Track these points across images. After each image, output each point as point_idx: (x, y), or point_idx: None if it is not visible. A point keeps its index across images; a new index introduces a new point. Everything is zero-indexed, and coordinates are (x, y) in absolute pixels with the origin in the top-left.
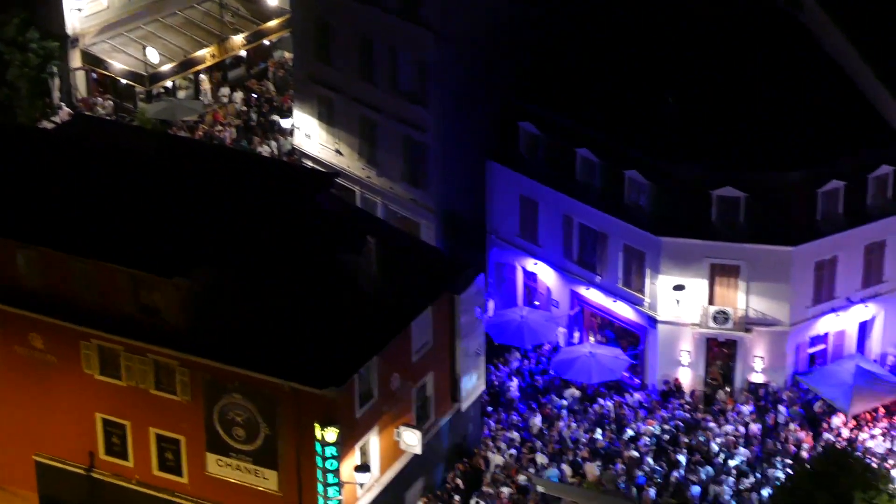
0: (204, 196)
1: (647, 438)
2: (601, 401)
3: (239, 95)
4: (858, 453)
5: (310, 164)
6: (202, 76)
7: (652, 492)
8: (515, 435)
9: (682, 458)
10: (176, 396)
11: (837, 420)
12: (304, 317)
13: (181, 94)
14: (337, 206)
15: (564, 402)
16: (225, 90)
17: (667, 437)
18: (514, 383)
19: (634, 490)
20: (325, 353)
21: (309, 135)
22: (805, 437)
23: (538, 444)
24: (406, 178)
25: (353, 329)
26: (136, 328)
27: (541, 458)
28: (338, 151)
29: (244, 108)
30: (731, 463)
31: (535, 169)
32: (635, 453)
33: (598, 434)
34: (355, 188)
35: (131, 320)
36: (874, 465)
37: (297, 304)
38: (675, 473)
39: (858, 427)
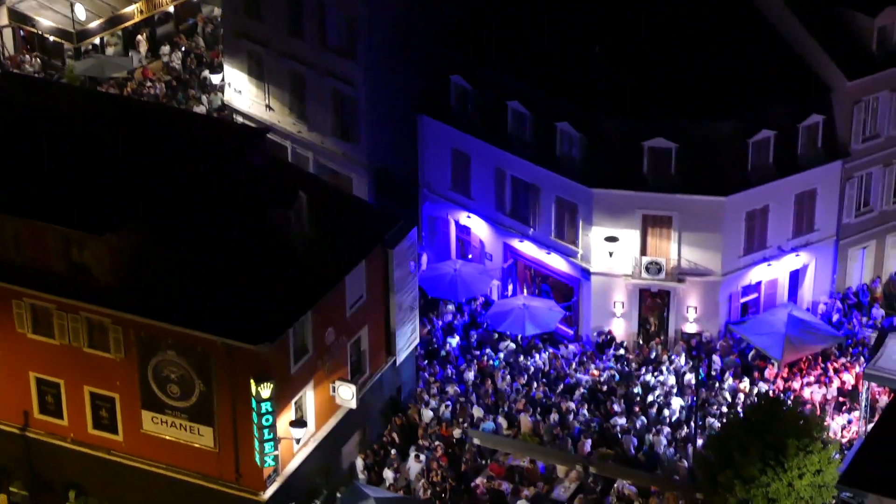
0: (133, 153)
1: (584, 390)
2: (537, 353)
3: (168, 51)
4: (791, 402)
5: (240, 119)
6: (139, 37)
7: (587, 443)
8: (451, 388)
9: (617, 409)
10: (109, 354)
11: (771, 369)
12: (237, 273)
13: (109, 50)
14: (268, 161)
15: (500, 355)
16: (164, 48)
17: (602, 387)
18: (455, 340)
19: (570, 441)
20: (258, 309)
21: (239, 90)
22: (739, 386)
23: (473, 397)
24: (337, 132)
25: (287, 285)
26: (68, 286)
27: (477, 412)
28: (268, 107)
29: (174, 65)
30: (666, 413)
31: (466, 122)
32: (571, 404)
33: (533, 386)
34: (286, 143)
35: (63, 278)
36: (807, 414)
37: (229, 260)
38: (611, 424)
39: (792, 376)
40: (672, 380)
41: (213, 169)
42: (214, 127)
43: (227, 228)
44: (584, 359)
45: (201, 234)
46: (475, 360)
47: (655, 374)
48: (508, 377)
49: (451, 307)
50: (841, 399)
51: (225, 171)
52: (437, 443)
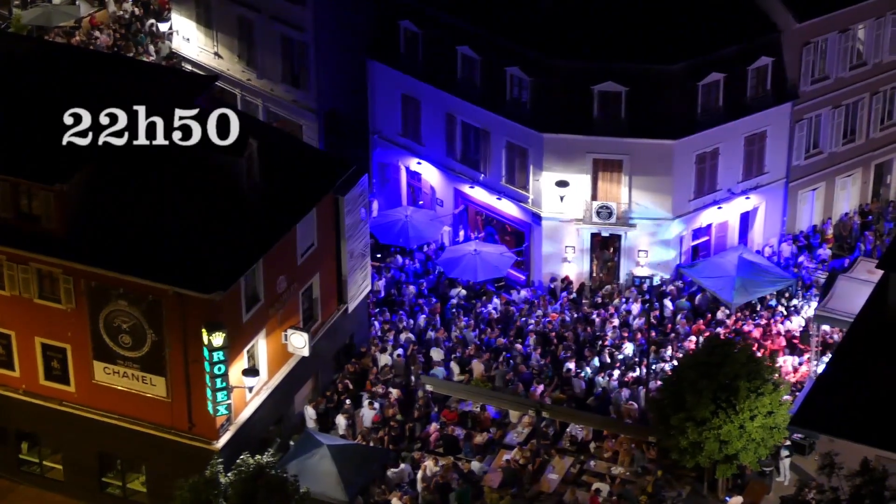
0: (84, 101)
1: (534, 337)
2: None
3: None
4: (742, 344)
5: (189, 68)
6: None
7: (539, 387)
8: (403, 335)
9: (568, 353)
10: (60, 305)
11: (722, 312)
12: (188, 221)
13: None
14: (217, 109)
15: (453, 301)
16: None
17: (553, 333)
18: (412, 290)
19: (521, 386)
20: (209, 257)
21: (187, 38)
22: (690, 329)
23: (431, 337)
24: (286, 79)
25: (237, 232)
26: (17, 236)
27: (437, 354)
28: (217, 54)
29: (121, 14)
30: (618, 356)
31: (416, 67)
32: (522, 349)
33: (486, 331)
34: (236, 91)
35: (11, 229)
36: (758, 355)
37: (179, 208)
38: (563, 368)
39: (743, 318)
40: (623, 323)
41: (162, 117)
42: (162, 75)
43: (176, 177)
44: (538, 303)
45: (151, 182)
46: (427, 307)
47: (606, 318)
48: (461, 322)
49: (398, 257)
50: (792, 340)
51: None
52: (390, 389)
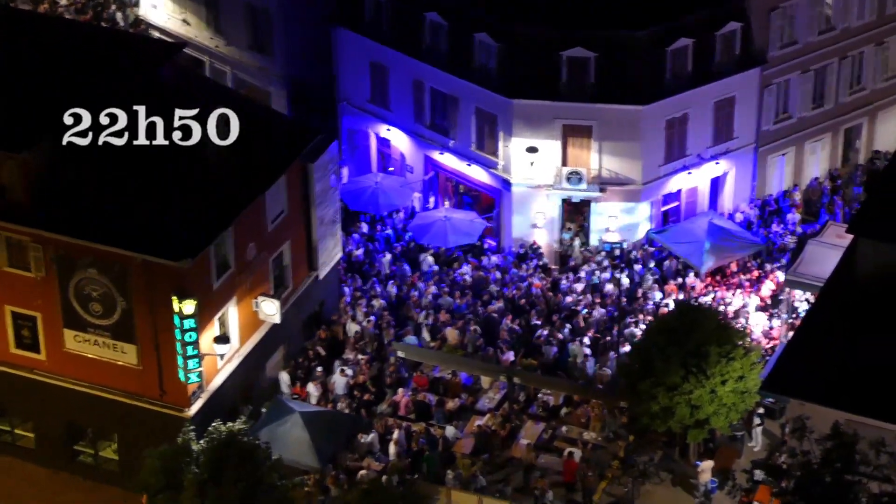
0: (47, 69)
1: (502, 302)
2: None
3: None
4: (712, 309)
5: (156, 35)
6: None
7: (510, 353)
8: (377, 302)
9: (538, 320)
10: (30, 273)
11: (691, 277)
12: (156, 188)
13: None
14: (184, 77)
15: (428, 265)
16: None
17: (521, 299)
18: (387, 258)
19: (492, 351)
20: (178, 225)
21: (155, 5)
22: (660, 295)
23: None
24: (253, 46)
25: (206, 200)
26: None
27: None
28: (185, 21)
29: None
30: (588, 322)
31: (382, 34)
32: (494, 315)
33: (456, 297)
34: (204, 58)
35: None
36: (728, 321)
37: (147, 175)
38: (534, 335)
39: (713, 283)
40: (593, 289)
41: (129, 85)
42: (129, 43)
43: (144, 145)
44: (512, 269)
45: (119, 150)
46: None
47: (577, 283)
48: (432, 288)
49: (363, 225)
50: (762, 305)
51: (140, 87)
52: (361, 356)
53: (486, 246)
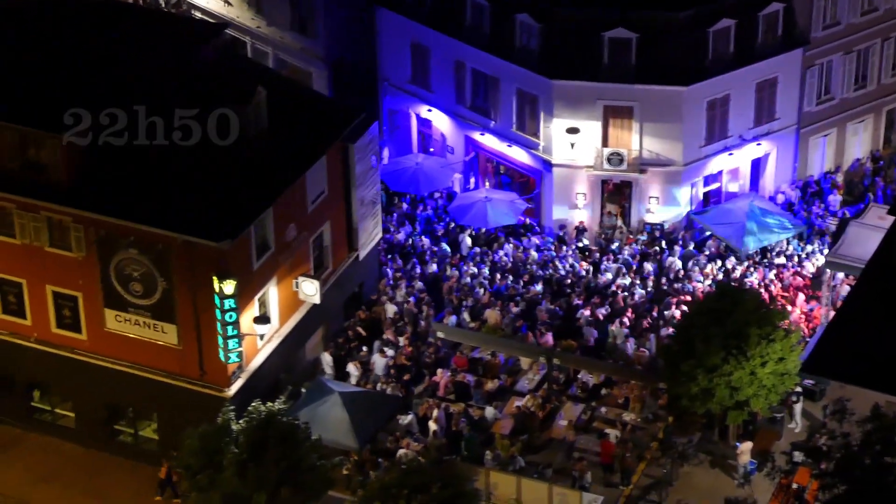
0: (90, 50)
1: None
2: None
3: None
4: (753, 290)
5: (198, 15)
6: None
7: (550, 336)
8: (415, 283)
9: (579, 301)
10: (71, 253)
11: (732, 258)
12: (197, 169)
13: None
14: (226, 57)
15: (467, 247)
16: None
17: (566, 280)
18: (426, 242)
19: (531, 334)
20: (218, 206)
21: None
22: (702, 276)
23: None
24: (295, 27)
25: (247, 181)
26: (27, 186)
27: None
28: (227, 2)
29: None
30: (628, 303)
31: (424, 14)
32: (535, 296)
33: (497, 278)
34: (246, 39)
35: (22, 178)
36: (768, 301)
37: (189, 156)
38: (575, 316)
39: (754, 265)
40: (635, 270)
41: (171, 65)
42: (172, 23)
43: (188, 126)
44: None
45: (162, 131)
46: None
47: (618, 264)
48: (474, 269)
49: (404, 205)
50: (804, 287)
51: (183, 67)
52: (401, 337)
53: (531, 226)
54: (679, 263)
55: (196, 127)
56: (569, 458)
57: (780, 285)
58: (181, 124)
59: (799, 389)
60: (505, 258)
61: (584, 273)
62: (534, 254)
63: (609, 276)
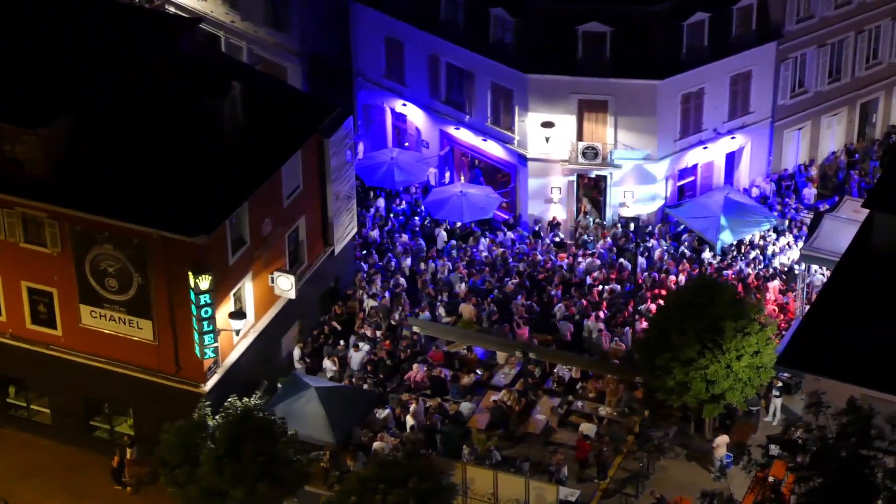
0: (64, 44)
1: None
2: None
3: None
4: (727, 283)
5: (172, 9)
6: None
7: (525, 330)
8: (397, 279)
9: (555, 294)
10: (46, 249)
11: (707, 252)
12: (172, 164)
13: None
14: (200, 51)
15: (443, 241)
16: None
17: (542, 274)
18: (404, 237)
19: (509, 327)
20: (194, 201)
21: None
22: (676, 269)
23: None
24: (269, 21)
25: (222, 175)
26: (2, 181)
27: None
28: None
29: None
30: (603, 297)
31: (399, 8)
32: (511, 291)
33: (473, 273)
34: (220, 33)
35: None
36: (743, 295)
37: (164, 151)
38: (551, 310)
39: (728, 258)
40: (609, 264)
41: (146, 59)
42: (146, 17)
43: (160, 119)
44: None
45: (134, 125)
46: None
47: (592, 258)
48: (449, 265)
49: (380, 200)
50: (778, 281)
51: (157, 62)
52: (377, 331)
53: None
54: (656, 255)
55: (172, 121)
56: (545, 452)
57: (753, 278)
58: (156, 118)
59: (780, 384)
60: (485, 253)
61: (560, 266)
62: (514, 249)
63: (584, 270)
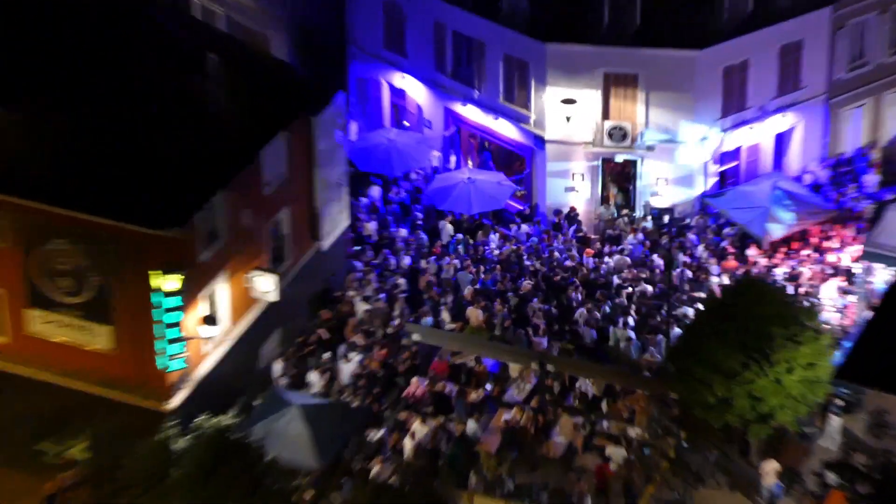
0: (22, 16)
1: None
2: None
3: None
4: (776, 285)
5: None
6: None
7: (545, 339)
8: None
9: (577, 294)
10: None
11: (753, 248)
12: (139, 148)
13: None
14: (173, 19)
15: (448, 235)
16: None
17: (559, 275)
18: (403, 232)
19: (524, 335)
20: (163, 189)
21: None
22: (716, 267)
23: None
24: None
25: (196, 160)
26: None
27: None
28: None
29: None
30: (633, 300)
31: None
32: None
33: (482, 273)
34: None
35: None
36: (794, 298)
37: (129, 133)
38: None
39: (778, 255)
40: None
41: (111, 30)
42: None
43: (126, 98)
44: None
45: (98, 105)
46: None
47: (621, 255)
48: (455, 262)
49: (376, 188)
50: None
51: (124, 33)
52: (371, 339)
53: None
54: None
55: (136, 98)
56: (566, 479)
57: (807, 278)
58: (120, 96)
59: (838, 401)
60: (496, 249)
61: (584, 265)
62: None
63: (611, 268)
